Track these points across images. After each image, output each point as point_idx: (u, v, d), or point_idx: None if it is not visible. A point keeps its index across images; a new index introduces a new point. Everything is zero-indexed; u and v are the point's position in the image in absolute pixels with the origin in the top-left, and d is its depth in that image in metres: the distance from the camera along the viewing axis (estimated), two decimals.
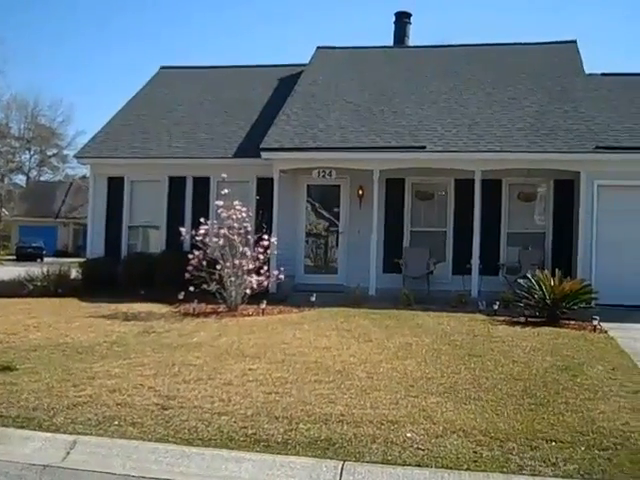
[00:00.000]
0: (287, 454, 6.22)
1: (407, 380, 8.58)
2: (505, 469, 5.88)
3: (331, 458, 6.12)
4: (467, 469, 5.89)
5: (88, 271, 18.64)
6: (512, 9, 68.08)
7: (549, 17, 67.03)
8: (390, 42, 26.22)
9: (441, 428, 6.74)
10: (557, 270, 13.93)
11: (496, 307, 14.22)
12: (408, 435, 6.56)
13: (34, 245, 56.64)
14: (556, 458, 6.07)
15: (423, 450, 6.23)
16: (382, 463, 6.01)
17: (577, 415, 7.20)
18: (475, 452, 6.19)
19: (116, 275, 17.92)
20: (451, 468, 5.91)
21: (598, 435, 6.60)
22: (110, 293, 16.71)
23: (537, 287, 13.49)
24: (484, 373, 8.96)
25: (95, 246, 19.66)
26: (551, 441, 6.44)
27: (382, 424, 6.84)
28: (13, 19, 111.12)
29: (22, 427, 6.88)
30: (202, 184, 19.22)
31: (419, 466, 5.96)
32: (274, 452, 6.27)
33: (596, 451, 6.25)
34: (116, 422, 6.94)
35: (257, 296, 14.56)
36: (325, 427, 6.77)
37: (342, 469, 5.96)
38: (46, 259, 50.26)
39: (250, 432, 6.67)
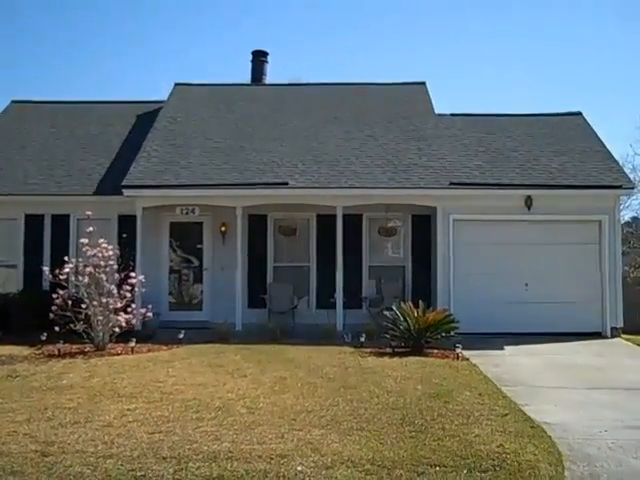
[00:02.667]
0: None
1: (288, 414, 8.71)
2: None
3: None
4: None
5: None
6: (363, 49, 70.50)
7: (399, 57, 69.83)
8: (248, 79, 26.56)
9: (329, 459, 6.91)
10: (420, 302, 14.51)
11: (362, 339, 14.61)
12: (299, 468, 6.69)
13: None
14: None
15: None
16: None
17: (455, 439, 7.56)
18: None
19: None
20: None
21: (477, 458, 6.97)
22: None
23: (402, 318, 14.00)
24: (362, 404, 9.23)
25: None
26: (435, 466, 6.75)
27: (271, 458, 6.95)
28: None
29: None
30: (62, 222, 18.65)
31: None
32: None
33: (477, 473, 6.61)
34: None
35: (124, 334, 14.33)
36: (215, 465, 6.81)
37: None
38: None
39: (139, 474, 6.62)
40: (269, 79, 26.62)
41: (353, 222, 18.10)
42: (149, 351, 14.10)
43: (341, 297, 17.06)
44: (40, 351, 14.14)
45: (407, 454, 7.06)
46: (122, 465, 6.83)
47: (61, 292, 13.95)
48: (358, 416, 8.60)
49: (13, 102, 23.81)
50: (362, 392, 9.99)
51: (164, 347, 14.50)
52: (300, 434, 7.78)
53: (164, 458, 7.00)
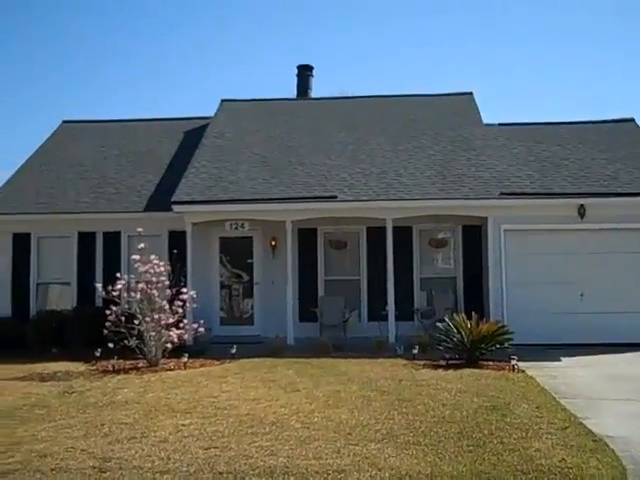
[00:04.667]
0: None
1: (344, 428, 8.63)
2: None
3: None
4: None
5: None
6: (409, 61, 70.59)
7: (445, 68, 69.73)
8: (293, 94, 26.66)
9: (387, 475, 6.81)
10: (473, 313, 14.32)
11: (415, 351, 14.46)
12: None
13: None
14: None
15: None
16: None
17: (515, 454, 7.41)
18: None
19: (26, 335, 17.30)
20: None
21: (539, 473, 6.81)
22: (21, 353, 16.12)
23: (455, 330, 13.83)
24: (417, 417, 9.11)
25: (1, 305, 18.95)
26: None
27: (328, 474, 6.87)
28: None
29: None
30: (113, 239, 18.89)
31: None
32: None
33: None
34: None
35: (176, 350, 14.40)
36: None
37: None
38: None
39: None
40: (315, 93, 26.72)
41: (403, 234, 18.01)
42: (202, 366, 14.12)
43: (393, 309, 16.93)
44: (95, 367, 14.27)
45: (466, 469, 6.92)
46: None
47: (114, 308, 14.05)
48: (414, 430, 8.48)
49: (64, 122, 24.22)
50: (417, 405, 9.87)
51: (216, 362, 14.50)
52: (356, 449, 7.69)
53: (221, 473, 6.97)
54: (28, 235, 19.20)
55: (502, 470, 6.88)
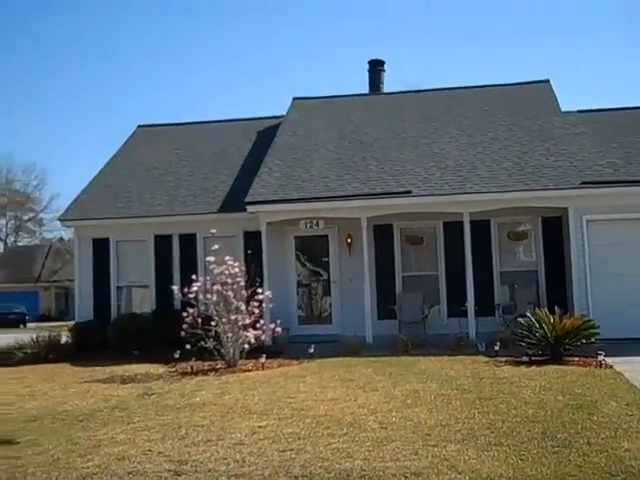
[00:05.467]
0: None
1: (422, 429, 8.39)
2: None
3: None
4: None
5: (78, 335, 18.33)
6: (480, 52, 69.55)
7: (518, 58, 68.52)
8: (365, 89, 26.40)
9: (467, 478, 6.54)
10: (556, 307, 13.86)
11: (497, 348, 14.09)
12: None
13: (16, 311, 55.95)
14: None
15: None
16: None
17: (603, 455, 7.04)
18: None
19: (107, 337, 17.63)
20: None
21: (628, 475, 6.44)
22: (102, 356, 16.44)
23: (538, 325, 13.40)
24: (499, 417, 8.80)
25: (83, 309, 19.36)
26: None
27: (406, 477, 6.64)
28: None
29: None
30: (188, 241, 19.08)
31: None
32: None
33: None
34: None
35: (254, 350, 14.36)
36: None
37: None
38: (29, 324, 49.68)
39: None
40: (387, 87, 26.40)
41: (481, 227, 17.60)
42: (279, 366, 14.06)
43: (472, 305, 16.57)
44: (174, 369, 14.36)
45: (550, 471, 6.61)
46: None
47: (191, 310, 14.10)
48: (496, 430, 8.18)
49: (139, 127, 24.58)
50: (499, 404, 9.55)
51: (294, 362, 14.43)
52: (435, 450, 7.44)
53: (295, 477, 6.82)
54: (107, 240, 19.53)
55: (589, 472, 6.54)
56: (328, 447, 7.75)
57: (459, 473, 6.66)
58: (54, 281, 65.41)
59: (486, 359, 13.57)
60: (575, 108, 21.64)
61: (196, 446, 8.10)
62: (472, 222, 16.84)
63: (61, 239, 67.42)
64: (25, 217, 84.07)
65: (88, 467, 7.47)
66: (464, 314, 16.60)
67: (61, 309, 60.01)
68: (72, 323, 19.75)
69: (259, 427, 8.85)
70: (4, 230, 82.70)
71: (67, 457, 7.89)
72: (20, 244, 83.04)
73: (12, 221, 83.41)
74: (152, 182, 20.78)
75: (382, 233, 18.41)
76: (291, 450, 7.71)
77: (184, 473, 7.11)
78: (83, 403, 11.27)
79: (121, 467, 7.41)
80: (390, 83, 28.07)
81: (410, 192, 17.05)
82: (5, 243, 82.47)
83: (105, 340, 17.55)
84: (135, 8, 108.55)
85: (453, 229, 17.57)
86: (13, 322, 52.12)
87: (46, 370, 15.55)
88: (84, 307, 19.37)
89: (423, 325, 17.27)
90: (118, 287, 19.54)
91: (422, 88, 24.79)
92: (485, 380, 11.38)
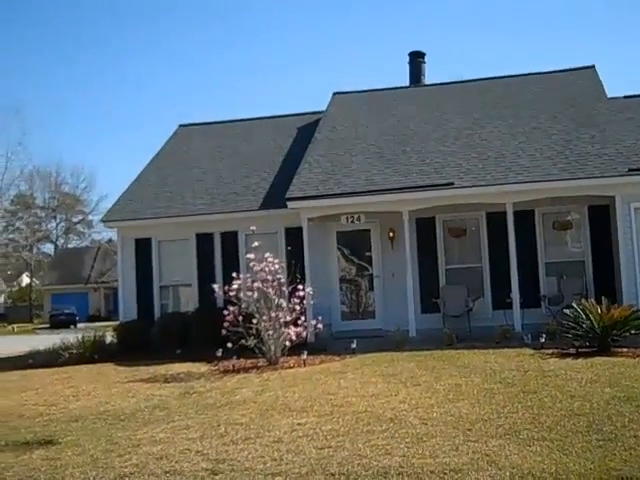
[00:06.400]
0: None
1: (463, 424, 8.22)
2: None
3: None
4: None
5: (122, 335, 18.45)
6: (524, 40, 68.63)
7: (562, 46, 67.40)
8: (406, 82, 26.14)
9: (508, 474, 6.37)
10: (603, 298, 13.52)
11: (542, 340, 13.80)
12: None
13: (67, 312, 56.93)
14: None
15: None
16: None
17: None
18: None
19: (151, 336, 17.65)
20: None
21: None
22: (146, 355, 16.48)
23: (584, 316, 13.08)
24: (543, 411, 8.58)
25: (128, 309, 19.48)
26: (628, 479, 6.05)
27: (445, 474, 6.49)
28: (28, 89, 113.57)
29: None
30: (230, 239, 19.05)
31: None
32: None
33: None
34: None
35: (296, 347, 14.25)
36: None
37: None
38: (79, 325, 50.48)
39: None
40: (428, 79, 26.10)
41: (525, 218, 17.26)
42: (321, 362, 13.93)
43: (517, 297, 16.24)
44: (216, 367, 14.32)
45: (595, 466, 6.39)
46: None
47: (232, 308, 14.06)
48: (539, 424, 7.96)
49: (180, 126, 24.68)
50: (543, 397, 9.32)
51: (336, 358, 14.30)
52: (476, 445, 7.27)
53: (332, 475, 6.71)
54: (149, 240, 19.60)
55: (635, 467, 6.32)
56: (367, 444, 7.63)
57: (500, 469, 6.49)
58: (103, 282, 66.35)
59: (531, 352, 13.28)
60: (622, 94, 21.16)
61: (234, 444, 8.04)
62: (516, 213, 16.51)
63: (110, 240, 68.26)
64: (74, 219, 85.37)
65: (126, 466, 7.47)
66: (509, 306, 16.28)
67: (110, 309, 60.85)
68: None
69: (298, 424, 8.76)
70: (55, 232, 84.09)
71: (106, 457, 7.90)
72: (70, 246, 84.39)
73: (62, 223, 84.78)
74: (193, 181, 20.81)
75: (424, 226, 18.16)
76: (329, 447, 7.61)
77: (221, 472, 7.06)
78: (125, 403, 11.30)
79: (159, 466, 7.38)
80: (431, 75, 27.77)
81: (452, 184, 16.80)
82: (56, 245, 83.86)
83: (149, 339, 17.58)
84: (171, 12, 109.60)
85: (496, 220, 17.24)
86: (65, 323, 52.99)
87: (90, 370, 15.67)
88: (128, 307, 19.49)
89: (467, 318, 16.99)
90: (161, 286, 19.59)
91: (463, 79, 24.35)
92: (530, 373, 11.14)
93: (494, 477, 6.31)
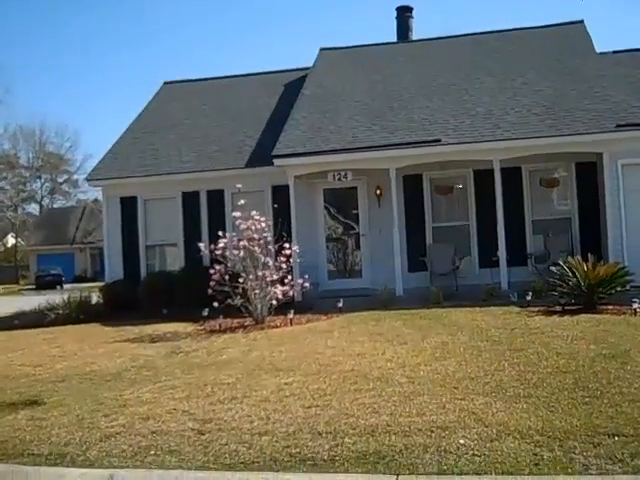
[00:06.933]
0: (336, 472, 5.85)
1: (450, 382, 8.21)
2: (570, 470, 5.49)
3: (383, 473, 5.74)
4: (529, 473, 5.49)
5: (108, 295, 18.39)
6: None
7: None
8: (393, 38, 25.86)
9: (494, 431, 6.36)
10: (589, 255, 13.53)
11: (529, 298, 13.83)
12: (461, 441, 6.18)
13: (53, 273, 56.74)
14: (622, 454, 5.68)
15: (479, 456, 5.85)
16: (438, 474, 5.63)
17: (636, 405, 6.83)
18: (535, 454, 5.80)
19: (137, 296, 17.60)
20: (512, 474, 5.52)
21: None
22: (133, 315, 16.43)
23: (570, 274, 13.11)
24: (529, 368, 8.59)
25: (113, 269, 19.39)
26: (613, 435, 6.06)
27: (432, 431, 6.48)
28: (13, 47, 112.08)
29: (55, 464, 6.53)
30: (216, 197, 18.92)
31: (477, 474, 5.56)
32: (321, 470, 5.90)
33: None
34: (153, 452, 6.59)
35: (283, 306, 14.22)
36: (372, 439, 6.41)
37: None
38: (66, 285, 50.37)
39: (294, 451, 6.31)
40: (416, 35, 25.82)
41: (512, 175, 17.20)
42: (308, 322, 13.92)
43: (504, 255, 16.22)
44: (202, 327, 14.29)
45: (581, 423, 6.39)
46: (277, 442, 6.56)
47: (218, 267, 13.98)
48: (525, 381, 7.96)
49: (165, 83, 24.39)
50: (529, 355, 9.32)
51: (323, 317, 14.29)
52: (462, 403, 7.26)
53: (320, 433, 6.69)
54: (134, 198, 19.45)
55: (620, 423, 6.32)
56: (354, 403, 7.61)
57: (486, 426, 6.49)
58: (89, 242, 66.10)
59: (518, 309, 13.31)
60: (611, 49, 20.99)
61: (221, 404, 8.01)
62: (503, 170, 16.43)
63: (95, 200, 67.86)
64: (59, 179, 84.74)
65: (112, 427, 7.43)
66: (496, 264, 16.26)
67: (96, 270, 60.65)
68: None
69: (285, 384, 8.73)
70: (39, 192, 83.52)
71: (92, 417, 7.86)
72: (55, 206, 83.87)
73: (47, 183, 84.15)
74: (179, 139, 20.60)
75: (411, 184, 18.08)
76: (316, 406, 7.59)
77: (208, 432, 7.02)
78: (111, 363, 11.24)
79: (145, 426, 7.35)
80: (419, 30, 27.49)
81: (439, 141, 16.68)
82: (41, 206, 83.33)
83: (135, 299, 17.53)
84: None
85: (484, 177, 17.16)
86: (51, 283, 52.85)
87: (77, 330, 15.61)
88: (114, 267, 19.38)
89: (454, 276, 16.97)
90: (147, 246, 19.47)
91: (451, 34, 24.08)
92: (516, 331, 11.16)
93: (481, 434, 6.30)
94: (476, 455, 5.88)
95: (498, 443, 6.09)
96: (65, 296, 18.29)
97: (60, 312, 17.22)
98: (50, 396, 9.05)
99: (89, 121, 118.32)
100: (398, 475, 5.67)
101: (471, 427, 6.51)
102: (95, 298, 18.90)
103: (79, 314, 17.17)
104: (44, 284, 53.02)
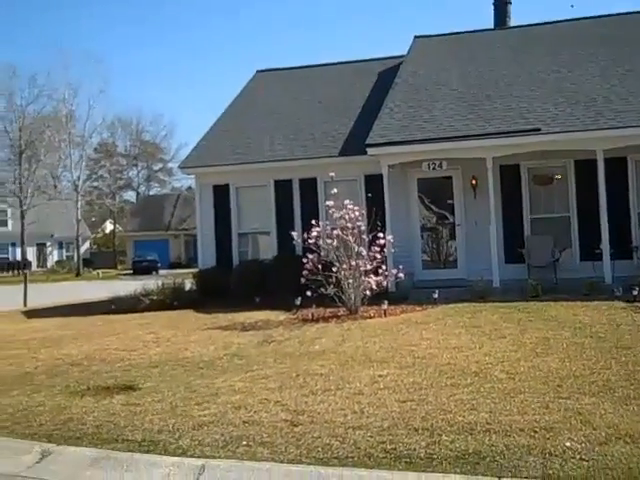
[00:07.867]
0: (434, 471, 5.57)
1: (553, 379, 7.83)
2: None
3: (484, 474, 5.44)
4: None
5: (201, 282, 18.53)
6: None
7: None
8: (491, 26, 25.24)
9: (603, 434, 5.99)
10: None
11: (635, 293, 13.20)
12: (567, 444, 5.83)
13: (149, 259, 58.08)
14: None
15: (587, 461, 5.49)
16: (543, 478, 5.31)
17: None
18: None
19: (229, 284, 17.65)
20: None
21: None
22: (225, 303, 16.49)
23: None
24: (638, 367, 8.12)
25: (206, 256, 19.54)
26: None
27: (535, 432, 6.15)
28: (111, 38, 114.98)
29: (148, 451, 6.47)
30: (309, 185, 18.82)
31: None
32: (419, 469, 5.63)
33: None
34: (244, 442, 6.46)
35: (376, 297, 13.97)
36: (471, 438, 6.12)
37: None
38: (161, 271, 51.44)
39: (389, 447, 6.07)
40: (514, 22, 25.12)
41: (616, 165, 16.39)
42: (402, 313, 13.65)
43: (607, 247, 15.55)
44: (295, 316, 14.20)
45: None
46: (371, 437, 6.34)
47: (310, 256, 13.83)
48: (636, 382, 7.52)
49: (258, 72, 24.40)
50: (638, 353, 8.84)
51: (418, 308, 14.00)
52: (567, 403, 6.90)
53: (416, 429, 6.44)
54: (227, 186, 19.53)
55: None
56: (451, 398, 7.34)
57: (594, 429, 6.12)
58: (183, 229, 67.26)
59: (623, 305, 12.74)
60: None
61: (314, 395, 7.85)
62: (606, 160, 15.73)
63: (189, 188, 69.04)
64: (155, 167, 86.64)
65: (205, 415, 7.35)
66: (598, 257, 15.61)
67: (190, 256, 61.67)
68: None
69: (379, 376, 8.51)
70: (136, 180, 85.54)
71: (185, 405, 7.81)
72: (151, 193, 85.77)
73: (143, 171, 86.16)
74: (271, 127, 20.58)
75: (509, 174, 17.52)
76: (412, 401, 7.34)
77: (300, 424, 6.86)
78: (204, 350, 11.24)
79: (237, 416, 7.24)
80: (517, 17, 26.80)
81: (539, 130, 16.11)
82: (137, 193, 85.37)
83: (227, 287, 17.58)
84: None
85: (585, 168, 16.49)
86: (147, 269, 54.07)
87: (170, 317, 15.77)
88: (207, 254, 19.54)
89: (553, 269, 16.39)
90: (240, 234, 19.54)
91: (550, 20, 23.30)
92: (623, 327, 10.65)
93: (588, 437, 5.94)
94: (584, 459, 5.52)
95: (607, 447, 5.72)
96: (160, 282, 18.52)
97: (154, 298, 17.46)
98: (144, 382, 9.07)
99: (185, 110, 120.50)
100: (500, 478, 5.37)
101: (577, 429, 6.15)
102: (188, 285, 19.07)
103: (173, 300, 17.38)
104: (140, 269, 54.37)
